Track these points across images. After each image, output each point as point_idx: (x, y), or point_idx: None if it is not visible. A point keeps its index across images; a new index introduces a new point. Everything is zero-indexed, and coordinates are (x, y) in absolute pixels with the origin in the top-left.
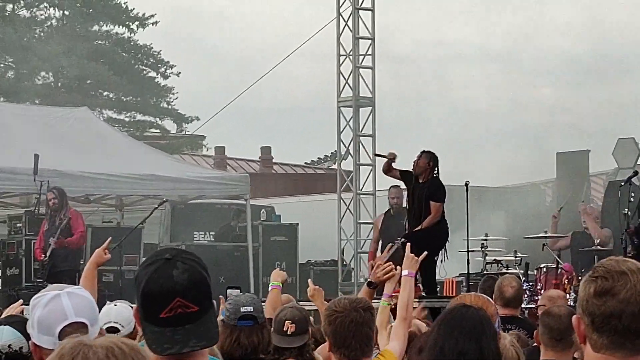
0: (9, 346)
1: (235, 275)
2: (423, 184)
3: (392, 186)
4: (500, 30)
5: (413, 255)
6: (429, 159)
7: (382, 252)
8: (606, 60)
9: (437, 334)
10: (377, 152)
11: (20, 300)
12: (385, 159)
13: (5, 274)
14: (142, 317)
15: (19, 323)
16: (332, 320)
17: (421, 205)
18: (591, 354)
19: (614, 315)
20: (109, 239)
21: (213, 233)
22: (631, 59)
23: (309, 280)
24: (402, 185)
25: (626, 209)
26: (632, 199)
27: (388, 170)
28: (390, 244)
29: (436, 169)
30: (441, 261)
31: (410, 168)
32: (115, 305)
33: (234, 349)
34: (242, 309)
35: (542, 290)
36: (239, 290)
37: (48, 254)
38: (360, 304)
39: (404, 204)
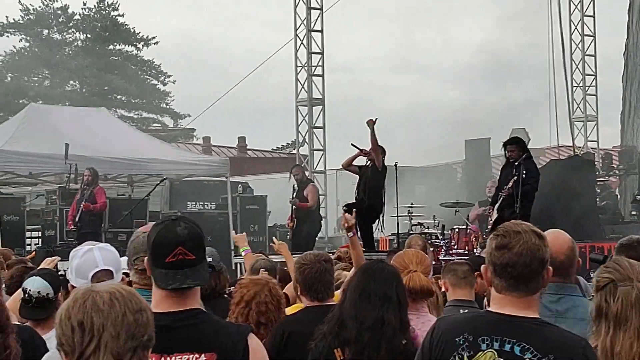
0: (39, 292)
1: (219, 234)
2: (373, 167)
3: (294, 165)
4: (421, 48)
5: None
6: (382, 151)
7: None
8: (500, 68)
9: (361, 277)
10: (353, 143)
11: (57, 257)
12: (357, 150)
13: (44, 234)
14: (151, 263)
15: (47, 275)
16: (302, 272)
17: (366, 184)
18: (495, 294)
19: (510, 265)
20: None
21: (202, 203)
22: (518, 67)
23: (274, 238)
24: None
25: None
26: (524, 175)
27: (348, 165)
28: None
29: (384, 156)
30: (377, 228)
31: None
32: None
33: None
34: None
35: (455, 246)
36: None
37: (77, 218)
38: (323, 257)
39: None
